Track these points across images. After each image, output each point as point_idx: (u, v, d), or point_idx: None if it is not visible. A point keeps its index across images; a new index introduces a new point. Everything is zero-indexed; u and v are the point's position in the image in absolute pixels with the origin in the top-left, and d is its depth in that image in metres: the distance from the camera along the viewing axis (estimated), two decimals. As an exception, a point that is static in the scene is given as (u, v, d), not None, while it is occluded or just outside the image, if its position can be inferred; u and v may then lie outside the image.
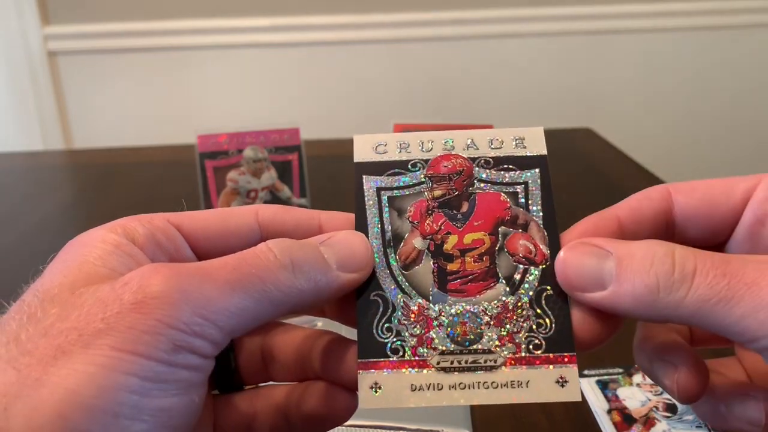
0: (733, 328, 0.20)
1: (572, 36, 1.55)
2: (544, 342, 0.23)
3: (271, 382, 0.26)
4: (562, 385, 0.23)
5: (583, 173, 0.89)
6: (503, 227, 0.25)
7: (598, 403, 0.44)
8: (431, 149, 0.26)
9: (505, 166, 0.26)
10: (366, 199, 0.26)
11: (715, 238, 0.25)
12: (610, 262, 0.22)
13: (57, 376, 0.18)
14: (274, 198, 0.69)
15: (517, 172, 0.26)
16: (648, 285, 0.21)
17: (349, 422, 0.41)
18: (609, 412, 0.43)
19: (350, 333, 0.24)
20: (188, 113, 1.52)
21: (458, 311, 0.24)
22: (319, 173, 0.76)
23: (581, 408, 0.43)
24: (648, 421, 0.42)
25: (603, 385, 0.45)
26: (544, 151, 0.26)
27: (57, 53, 1.48)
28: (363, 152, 0.26)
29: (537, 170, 0.26)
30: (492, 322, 0.24)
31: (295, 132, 0.71)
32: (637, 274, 0.21)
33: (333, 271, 0.23)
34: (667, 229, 0.25)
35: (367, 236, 0.25)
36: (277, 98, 1.54)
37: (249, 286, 0.21)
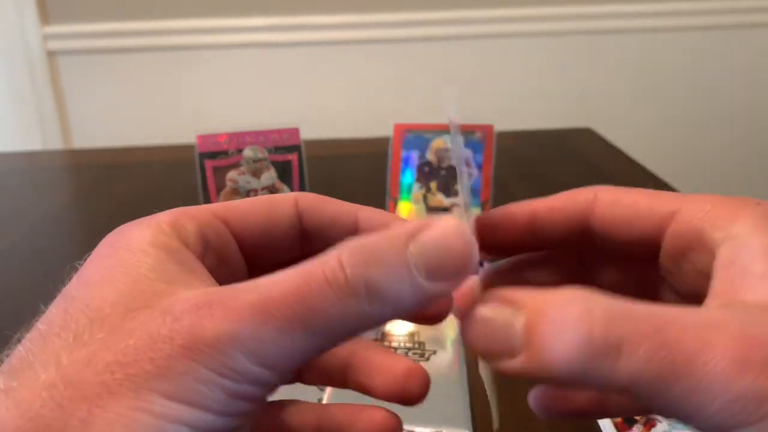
0: (671, 406, 0.17)
1: (572, 36, 1.55)
2: None
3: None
4: None
5: (583, 173, 0.89)
6: None
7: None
8: None
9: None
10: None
11: (640, 253, 0.23)
12: (519, 320, 0.17)
13: (103, 419, 0.17)
14: (274, 198, 0.69)
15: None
16: (564, 358, 0.17)
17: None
18: (609, 412, 0.43)
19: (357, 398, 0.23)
20: (188, 113, 1.52)
21: None
22: (319, 173, 0.76)
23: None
24: (648, 422, 0.42)
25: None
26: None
27: (56, 53, 1.48)
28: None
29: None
30: None
31: (295, 132, 0.71)
32: (550, 341, 0.17)
33: (422, 286, 0.18)
34: (585, 233, 0.24)
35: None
36: (277, 98, 1.54)
37: (313, 324, 0.18)
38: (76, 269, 0.20)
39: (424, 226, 0.18)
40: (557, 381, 0.17)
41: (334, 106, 1.54)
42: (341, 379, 0.24)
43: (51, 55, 1.48)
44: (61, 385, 0.17)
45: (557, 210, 0.24)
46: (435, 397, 0.46)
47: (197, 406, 0.17)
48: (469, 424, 0.40)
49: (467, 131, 0.66)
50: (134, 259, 0.20)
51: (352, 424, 0.23)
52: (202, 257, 0.21)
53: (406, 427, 0.41)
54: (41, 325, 0.19)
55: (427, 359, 0.49)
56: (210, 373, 0.17)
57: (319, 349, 0.18)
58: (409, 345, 0.50)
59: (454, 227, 0.18)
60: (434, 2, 1.50)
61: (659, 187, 0.84)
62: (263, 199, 0.24)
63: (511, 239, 0.24)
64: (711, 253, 0.20)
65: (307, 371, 0.24)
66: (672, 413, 0.17)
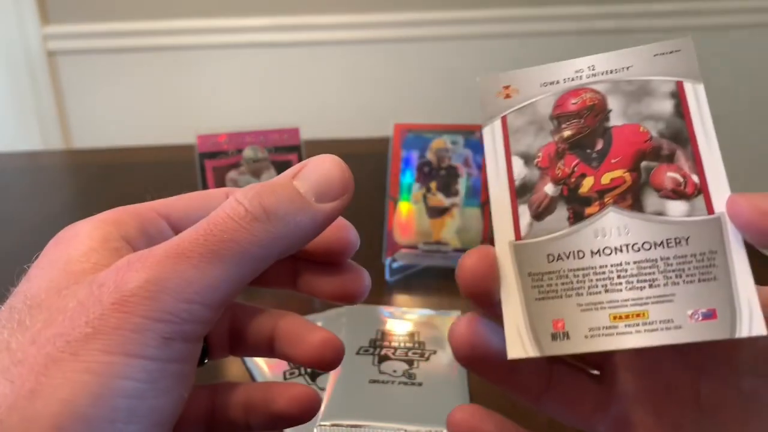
0: None
1: (572, 36, 1.55)
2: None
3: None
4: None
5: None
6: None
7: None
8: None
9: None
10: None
11: None
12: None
13: (50, 386, 0.18)
14: (274, 198, 0.69)
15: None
16: None
17: (348, 422, 0.41)
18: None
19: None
20: (188, 113, 1.52)
21: None
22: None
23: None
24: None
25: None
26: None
27: (56, 53, 1.48)
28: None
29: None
30: None
31: (295, 132, 0.70)
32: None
33: (313, 206, 0.21)
34: None
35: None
36: (277, 98, 1.54)
37: (226, 254, 0.20)
38: (26, 271, 0.22)
39: (305, 163, 0.22)
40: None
41: (334, 106, 1.54)
42: (268, 350, 0.26)
43: (51, 55, 1.48)
44: (11, 366, 0.18)
45: None
46: (435, 397, 0.46)
47: (135, 355, 0.18)
48: (469, 424, 0.40)
49: (467, 131, 0.66)
50: (69, 248, 0.21)
51: (274, 399, 0.25)
52: (140, 247, 0.23)
53: (406, 427, 0.41)
54: None
55: (427, 359, 0.49)
56: (142, 320, 0.19)
57: (241, 277, 0.20)
58: (409, 345, 0.50)
59: (329, 156, 0.22)
60: (434, 2, 1.50)
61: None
62: (199, 194, 0.25)
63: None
64: None
65: (237, 344, 0.26)
66: None
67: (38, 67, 1.47)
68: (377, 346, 0.50)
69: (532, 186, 0.23)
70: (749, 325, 0.20)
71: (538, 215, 0.23)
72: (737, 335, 0.20)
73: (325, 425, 0.41)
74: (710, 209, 0.21)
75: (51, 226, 0.23)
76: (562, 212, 0.22)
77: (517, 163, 0.23)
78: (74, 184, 0.98)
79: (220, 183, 0.69)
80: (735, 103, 1.64)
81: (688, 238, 0.21)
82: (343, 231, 0.25)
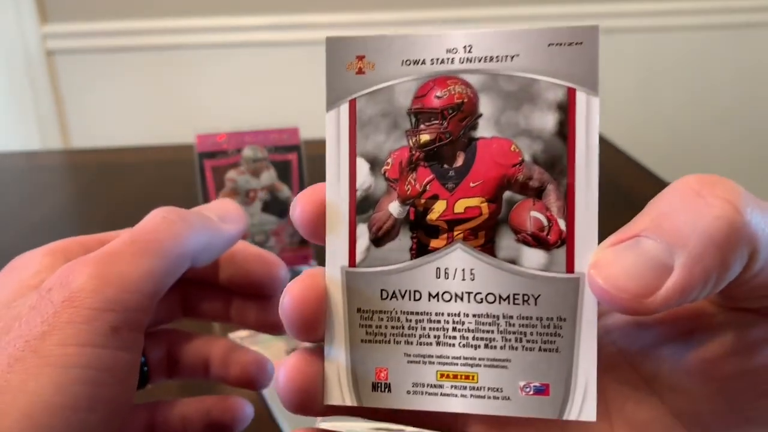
0: None
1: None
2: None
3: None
4: None
5: (583, 173, 0.89)
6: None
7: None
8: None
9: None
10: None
11: None
12: (659, 245, 0.16)
13: (16, 381, 0.19)
14: (274, 198, 0.69)
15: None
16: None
17: (348, 422, 0.41)
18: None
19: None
20: (187, 113, 1.52)
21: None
22: (319, 173, 0.76)
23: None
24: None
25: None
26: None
27: (55, 52, 1.48)
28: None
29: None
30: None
31: (295, 132, 0.70)
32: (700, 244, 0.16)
33: (218, 223, 0.26)
34: None
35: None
36: (277, 98, 1.53)
37: (151, 249, 0.23)
38: None
39: (208, 204, 0.28)
40: (705, 290, 0.17)
41: (334, 105, 1.54)
42: (203, 372, 0.29)
43: (50, 54, 1.48)
44: None
45: None
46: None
47: (88, 344, 0.20)
48: (470, 425, 0.40)
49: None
50: (20, 272, 0.24)
51: (208, 410, 0.28)
52: None
53: (406, 427, 0.41)
54: None
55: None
56: (90, 311, 0.21)
57: (168, 268, 0.23)
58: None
59: (225, 200, 0.28)
60: (434, 2, 1.50)
61: (659, 187, 0.84)
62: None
63: None
64: None
65: (175, 368, 0.29)
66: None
67: (37, 66, 1.47)
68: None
69: (375, 201, 0.19)
70: (579, 408, 0.18)
71: (378, 239, 0.19)
72: (564, 417, 0.18)
73: (325, 425, 0.41)
74: (570, 267, 0.18)
75: (50, 226, 0.24)
76: (405, 240, 0.19)
77: (362, 168, 0.19)
78: (73, 184, 0.98)
79: (220, 182, 0.69)
80: (735, 103, 1.64)
81: (538, 297, 0.18)
82: (273, 267, 0.28)
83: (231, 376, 0.28)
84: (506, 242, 0.18)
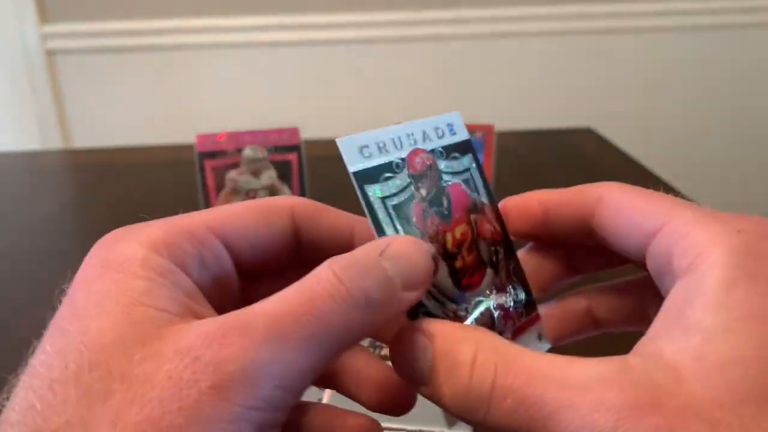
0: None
1: (572, 36, 1.55)
2: (524, 309, 0.26)
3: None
4: (540, 339, 0.26)
5: (584, 173, 0.89)
6: (473, 215, 0.25)
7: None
8: (402, 146, 0.25)
9: (453, 154, 0.26)
10: (377, 211, 0.23)
11: (633, 256, 0.23)
12: (428, 354, 0.20)
13: None
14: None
15: (460, 159, 0.26)
16: (452, 395, 0.19)
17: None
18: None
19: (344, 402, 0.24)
20: (188, 113, 1.52)
21: (477, 306, 0.25)
22: (319, 173, 0.76)
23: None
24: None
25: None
26: (467, 135, 0.26)
27: (55, 52, 1.48)
28: (353, 158, 0.24)
29: (470, 154, 0.26)
30: (496, 306, 0.25)
31: (295, 131, 0.70)
32: (443, 380, 0.19)
33: (399, 294, 0.20)
34: (587, 234, 0.24)
35: None
36: (277, 98, 1.53)
37: (324, 340, 0.18)
38: (65, 293, 0.20)
39: (390, 241, 0.21)
40: (452, 414, 0.19)
41: (334, 106, 1.54)
42: (326, 383, 0.24)
43: (50, 54, 1.48)
44: None
45: (565, 204, 0.24)
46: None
47: None
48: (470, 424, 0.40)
49: (468, 131, 0.66)
50: (125, 283, 0.19)
51: (335, 428, 0.23)
52: (198, 279, 0.21)
53: (406, 426, 0.41)
54: (41, 368, 0.18)
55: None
56: (240, 409, 0.17)
57: (327, 362, 0.19)
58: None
59: (413, 240, 0.21)
60: (434, 2, 1.50)
61: (659, 187, 0.84)
62: (257, 208, 0.23)
63: (523, 228, 0.26)
64: (674, 283, 0.20)
65: None
66: None
67: (37, 66, 1.47)
68: (378, 345, 0.50)
69: None
70: None
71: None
72: None
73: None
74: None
75: (50, 227, 0.22)
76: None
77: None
78: (73, 184, 0.98)
79: (220, 183, 0.69)
80: (735, 103, 1.64)
81: None
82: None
83: (364, 399, 0.24)
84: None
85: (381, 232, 0.23)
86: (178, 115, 1.51)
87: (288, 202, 0.23)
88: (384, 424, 0.41)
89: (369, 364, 0.24)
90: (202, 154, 0.68)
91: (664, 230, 0.21)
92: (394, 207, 0.23)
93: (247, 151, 0.69)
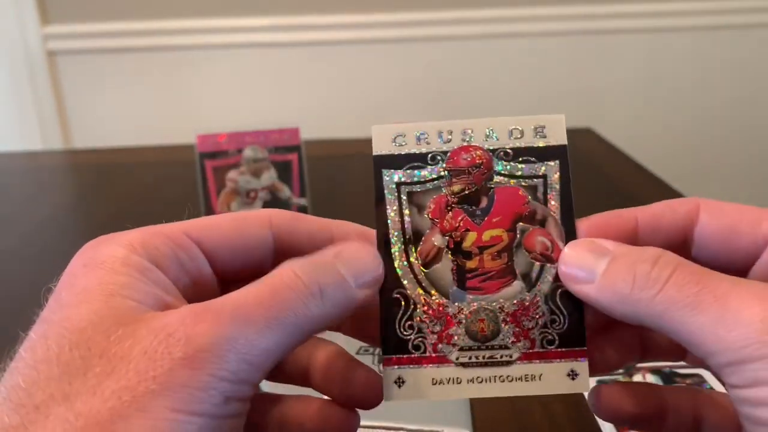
0: (693, 337, 0.20)
1: (573, 36, 1.55)
2: (557, 337, 0.24)
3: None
4: (573, 378, 0.24)
5: (583, 173, 0.89)
6: (521, 223, 0.25)
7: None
8: (450, 140, 0.25)
9: (524, 157, 0.25)
10: (386, 194, 0.25)
11: (732, 265, 0.24)
12: (605, 259, 0.22)
13: None
14: (274, 198, 0.69)
15: (537, 164, 0.25)
16: (626, 280, 0.22)
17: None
18: (609, 412, 0.43)
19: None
20: (188, 113, 1.52)
21: (476, 309, 0.24)
22: (319, 173, 0.76)
23: (582, 408, 0.43)
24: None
25: (603, 386, 0.45)
26: (565, 141, 0.25)
27: (56, 53, 1.48)
28: (382, 144, 0.25)
29: (556, 162, 0.25)
30: (508, 319, 0.24)
31: (295, 132, 0.71)
32: (620, 271, 0.22)
33: (352, 290, 0.23)
34: (685, 243, 0.25)
35: (388, 234, 0.25)
36: (277, 98, 1.54)
37: (285, 323, 0.21)
38: (51, 291, 0.21)
39: (344, 247, 0.23)
40: (610, 304, 0.22)
41: (334, 106, 1.54)
42: (303, 380, 0.26)
43: (51, 54, 1.48)
44: (72, 418, 0.18)
45: (658, 218, 0.25)
46: (435, 397, 0.46)
47: (200, 413, 0.19)
48: (470, 424, 0.40)
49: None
50: (107, 278, 0.21)
51: (309, 418, 0.24)
52: (175, 278, 0.22)
53: (406, 426, 0.41)
54: (25, 353, 0.19)
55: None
56: (209, 378, 0.19)
57: (291, 345, 0.21)
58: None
59: (364, 246, 0.24)
60: (434, 2, 1.50)
61: (658, 187, 0.84)
62: (236, 219, 0.24)
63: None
64: None
65: (273, 372, 0.25)
66: (691, 343, 0.20)
67: (38, 67, 1.47)
68: (368, 350, 0.50)
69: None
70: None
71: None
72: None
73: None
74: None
75: (50, 227, 0.22)
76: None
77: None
78: (74, 184, 0.98)
79: (220, 183, 0.69)
80: (735, 103, 1.64)
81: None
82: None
83: (336, 395, 0.25)
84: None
85: (382, 214, 0.25)
86: (179, 116, 1.51)
87: (266, 213, 0.25)
88: (384, 424, 0.41)
89: (339, 362, 0.25)
90: (202, 154, 0.68)
91: None
92: (409, 194, 0.25)
93: (248, 152, 0.69)
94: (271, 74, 1.53)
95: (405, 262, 0.25)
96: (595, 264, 0.23)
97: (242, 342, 0.20)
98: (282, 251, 0.25)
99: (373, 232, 0.25)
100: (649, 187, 0.85)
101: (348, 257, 0.23)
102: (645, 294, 0.21)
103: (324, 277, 0.22)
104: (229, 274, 0.24)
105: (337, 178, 0.84)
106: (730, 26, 1.57)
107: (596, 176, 0.89)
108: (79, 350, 0.19)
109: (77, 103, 1.53)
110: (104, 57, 1.49)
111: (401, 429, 0.41)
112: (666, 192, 0.81)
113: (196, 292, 0.23)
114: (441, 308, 0.24)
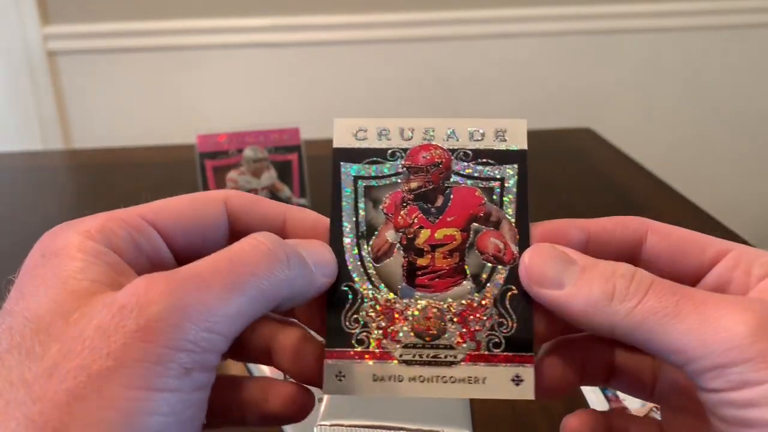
0: (674, 344, 0.20)
1: (572, 36, 1.55)
2: (504, 341, 0.24)
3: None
4: (517, 384, 0.23)
5: (583, 173, 0.89)
6: (476, 224, 0.25)
7: (598, 403, 0.44)
8: (411, 138, 0.25)
9: (484, 159, 0.25)
10: (343, 187, 0.25)
11: (686, 279, 0.25)
12: (573, 267, 0.22)
13: (75, 426, 0.17)
14: (274, 198, 0.69)
15: (495, 167, 0.25)
16: (604, 291, 0.21)
17: (348, 422, 0.41)
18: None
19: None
20: (188, 113, 1.52)
21: (424, 306, 0.24)
22: (319, 173, 0.76)
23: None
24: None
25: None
26: (525, 146, 0.25)
27: (56, 53, 1.48)
28: (343, 137, 0.26)
29: (515, 166, 0.25)
30: (455, 319, 0.24)
31: (295, 132, 0.71)
32: (596, 280, 0.22)
33: (314, 274, 0.23)
34: (631, 261, 0.25)
35: (341, 225, 0.25)
36: (277, 98, 1.54)
37: (246, 286, 0.20)
38: (13, 282, 0.21)
39: (302, 242, 0.24)
40: (581, 314, 0.22)
41: (334, 106, 1.54)
42: (266, 359, 0.25)
43: (51, 55, 1.48)
44: (29, 402, 0.17)
45: (610, 233, 0.25)
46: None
47: (158, 389, 0.18)
48: (469, 424, 0.40)
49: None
50: (63, 265, 0.20)
51: (268, 398, 0.24)
52: (133, 260, 0.22)
53: (406, 426, 0.41)
54: None
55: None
56: (165, 350, 0.18)
57: (256, 311, 0.21)
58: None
59: (323, 245, 0.24)
60: (434, 2, 1.50)
61: (658, 187, 0.85)
62: (192, 199, 0.24)
63: None
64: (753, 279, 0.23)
65: (237, 350, 0.25)
66: (671, 351, 0.20)
67: (38, 67, 1.47)
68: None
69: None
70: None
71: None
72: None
73: (324, 425, 0.41)
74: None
75: (51, 226, 0.22)
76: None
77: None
78: (74, 184, 0.99)
79: (221, 183, 0.69)
80: (735, 103, 1.64)
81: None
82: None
83: (295, 374, 0.25)
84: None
85: (337, 206, 0.25)
86: (179, 116, 1.51)
87: (221, 193, 0.25)
88: (384, 424, 0.41)
89: (295, 341, 0.25)
90: (202, 154, 0.68)
91: (732, 254, 0.24)
92: (366, 188, 0.25)
93: (248, 152, 0.69)
94: (271, 74, 1.53)
95: (356, 256, 0.24)
96: (563, 270, 0.22)
97: (199, 308, 0.19)
98: (236, 232, 0.24)
99: (327, 221, 0.25)
100: (649, 187, 0.85)
101: (308, 246, 0.23)
102: (624, 306, 0.21)
103: (289, 248, 0.22)
104: (188, 255, 0.24)
105: (337, 178, 0.84)
106: (730, 26, 1.57)
107: (596, 176, 0.89)
108: (40, 336, 0.19)
109: (77, 103, 1.53)
110: (104, 57, 1.49)
111: (401, 429, 0.41)
112: (666, 192, 0.81)
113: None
114: (388, 304, 0.24)
